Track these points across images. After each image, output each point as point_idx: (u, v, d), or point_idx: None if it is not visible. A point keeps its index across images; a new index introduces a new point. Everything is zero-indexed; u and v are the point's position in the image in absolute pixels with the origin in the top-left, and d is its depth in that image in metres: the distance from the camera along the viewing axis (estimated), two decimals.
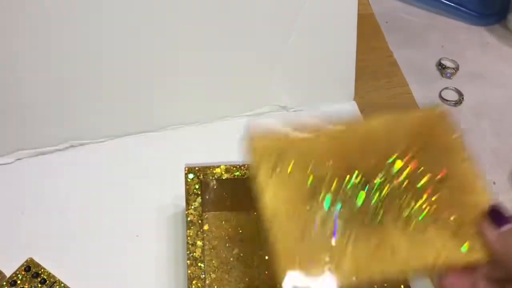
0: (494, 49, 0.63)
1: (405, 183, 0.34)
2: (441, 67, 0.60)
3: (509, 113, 0.58)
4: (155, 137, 0.52)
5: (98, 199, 0.48)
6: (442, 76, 0.60)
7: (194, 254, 0.38)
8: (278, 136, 0.34)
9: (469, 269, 0.33)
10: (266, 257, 0.43)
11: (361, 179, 0.34)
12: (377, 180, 0.34)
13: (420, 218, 0.33)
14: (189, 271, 0.37)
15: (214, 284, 0.42)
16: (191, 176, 0.42)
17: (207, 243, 0.44)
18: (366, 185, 0.34)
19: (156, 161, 0.50)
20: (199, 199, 0.41)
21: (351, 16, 0.52)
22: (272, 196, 0.32)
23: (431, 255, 0.32)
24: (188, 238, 0.39)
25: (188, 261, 0.38)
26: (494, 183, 0.52)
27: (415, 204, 0.34)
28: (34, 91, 0.47)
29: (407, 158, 0.35)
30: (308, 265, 0.30)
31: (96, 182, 0.49)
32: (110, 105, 0.50)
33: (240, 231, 0.45)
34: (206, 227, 0.45)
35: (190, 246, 0.39)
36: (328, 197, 0.33)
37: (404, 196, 0.34)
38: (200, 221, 0.40)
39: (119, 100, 0.50)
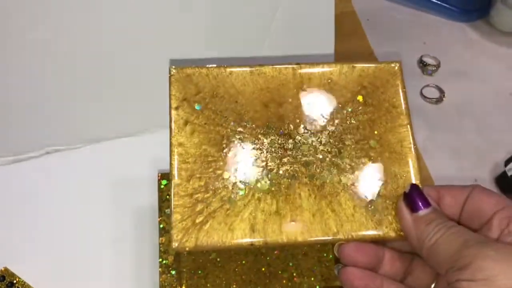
0: (476, 45, 0.63)
1: (333, 138, 0.32)
2: (422, 64, 0.60)
3: (491, 110, 0.57)
4: (131, 142, 0.51)
5: (73, 206, 0.47)
6: (424, 73, 0.60)
7: (166, 261, 0.38)
8: (205, 71, 0.33)
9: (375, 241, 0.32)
10: (244, 262, 0.43)
11: (284, 129, 0.32)
12: (300, 132, 0.32)
13: (336, 177, 0.32)
14: (160, 279, 0.37)
15: None
16: (164, 182, 0.42)
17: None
18: (287, 137, 0.32)
19: (132, 167, 0.50)
20: None
21: (328, 13, 0.52)
22: (185, 138, 0.32)
23: (335, 224, 0.30)
24: (161, 245, 0.39)
25: (160, 269, 0.38)
26: (475, 180, 0.52)
27: (336, 163, 0.32)
28: (8, 98, 0.47)
29: (344, 111, 0.33)
30: (198, 219, 0.30)
31: (71, 189, 0.48)
32: (85, 111, 0.49)
33: None
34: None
35: (162, 253, 0.38)
36: (241, 146, 0.32)
37: (327, 151, 0.32)
38: None
39: (94, 105, 0.50)
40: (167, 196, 0.41)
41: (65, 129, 0.50)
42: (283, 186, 0.31)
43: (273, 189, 0.31)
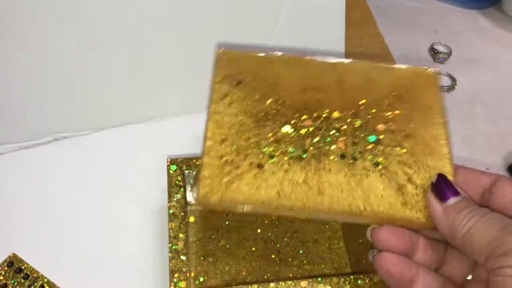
0: (488, 33, 0.62)
1: (367, 125, 0.33)
2: (433, 52, 0.59)
3: (503, 98, 0.56)
4: (139, 129, 0.51)
5: (82, 192, 0.47)
6: (435, 61, 0.59)
7: (176, 247, 0.38)
8: (250, 55, 0.36)
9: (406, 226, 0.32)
10: (253, 249, 0.43)
11: (320, 112, 0.34)
12: (335, 116, 0.34)
13: (367, 160, 0.32)
14: (170, 264, 0.37)
15: (199, 276, 0.41)
16: (173, 167, 0.42)
17: (193, 235, 0.43)
18: (322, 120, 0.33)
19: (140, 153, 0.50)
20: (181, 191, 0.40)
21: (339, 2, 0.51)
22: (222, 107, 0.34)
23: (363, 202, 0.31)
24: (170, 230, 0.38)
25: (170, 254, 0.37)
26: (487, 168, 0.51)
27: (368, 147, 0.32)
28: (15, 85, 0.47)
29: (381, 104, 0.34)
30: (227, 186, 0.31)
31: (80, 175, 0.48)
32: (93, 97, 0.49)
33: (227, 223, 0.44)
34: (192, 219, 0.44)
35: (172, 239, 0.38)
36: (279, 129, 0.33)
37: (361, 135, 0.33)
38: (182, 213, 0.39)
39: (102, 92, 0.49)
40: (176, 182, 0.41)
41: (73, 116, 0.50)
42: (314, 160, 0.32)
43: (302, 161, 0.32)
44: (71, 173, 0.48)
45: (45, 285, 0.42)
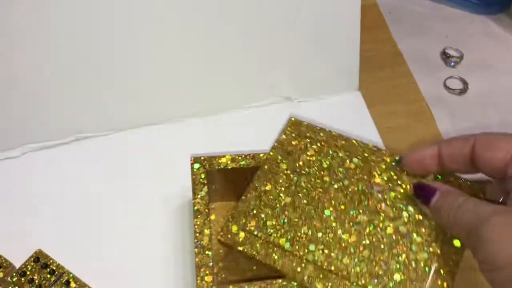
0: (499, 38, 0.63)
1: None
2: (445, 56, 0.60)
3: None
4: (160, 130, 0.52)
5: (104, 191, 0.48)
6: (446, 65, 0.60)
7: (202, 242, 0.38)
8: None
9: None
10: None
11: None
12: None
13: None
14: (197, 259, 0.38)
15: (221, 273, 0.42)
16: (197, 166, 0.42)
17: (214, 232, 0.44)
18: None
19: (162, 154, 0.51)
20: (205, 189, 0.41)
21: (354, 5, 0.52)
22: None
23: None
24: (196, 226, 0.39)
25: (196, 250, 0.38)
26: None
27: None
28: (39, 85, 0.48)
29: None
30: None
31: (102, 174, 0.49)
32: (115, 97, 0.50)
33: None
34: (213, 217, 0.45)
35: (197, 234, 0.39)
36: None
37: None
38: (207, 210, 0.40)
39: (124, 93, 0.50)
40: (200, 179, 0.42)
41: (95, 116, 0.51)
42: None
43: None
44: (93, 172, 0.49)
45: (70, 280, 0.42)
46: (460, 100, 0.58)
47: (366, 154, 0.40)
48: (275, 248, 0.37)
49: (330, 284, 0.35)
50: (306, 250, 0.36)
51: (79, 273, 0.43)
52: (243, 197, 0.39)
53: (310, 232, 0.37)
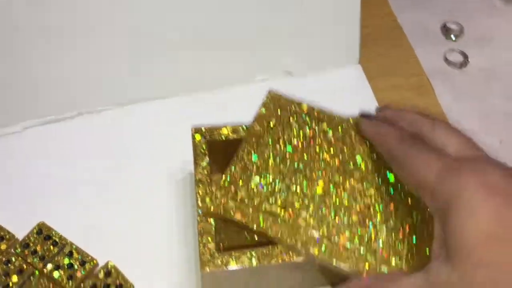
0: (501, 12, 0.63)
1: None
2: (445, 29, 0.60)
3: None
4: (163, 104, 0.52)
5: (107, 165, 0.48)
6: (447, 38, 0.60)
7: (204, 210, 0.39)
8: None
9: None
10: None
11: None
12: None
13: None
14: (199, 227, 0.38)
15: (224, 242, 0.42)
16: (198, 136, 0.43)
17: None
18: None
19: (164, 128, 0.51)
20: (206, 159, 0.41)
21: None
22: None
23: None
24: (198, 195, 0.39)
25: (198, 218, 0.38)
26: (500, 142, 0.52)
27: None
28: (41, 60, 0.48)
29: None
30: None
31: (104, 149, 0.49)
32: (117, 72, 0.50)
33: None
34: (214, 188, 0.45)
35: (200, 203, 0.39)
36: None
37: None
38: (208, 180, 0.40)
39: (125, 67, 0.50)
40: (201, 150, 0.42)
41: (97, 91, 0.51)
42: None
43: None
44: (96, 146, 0.49)
45: (73, 251, 0.43)
46: (461, 74, 0.57)
47: (346, 126, 0.40)
48: (267, 215, 0.37)
49: (323, 248, 0.35)
50: (298, 216, 0.37)
51: (82, 244, 0.43)
52: (229, 168, 0.39)
53: (300, 199, 0.37)
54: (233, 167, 0.39)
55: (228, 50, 0.52)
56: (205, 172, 0.41)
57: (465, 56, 0.58)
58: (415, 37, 0.60)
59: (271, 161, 0.39)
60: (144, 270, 0.42)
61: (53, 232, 0.44)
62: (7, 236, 0.43)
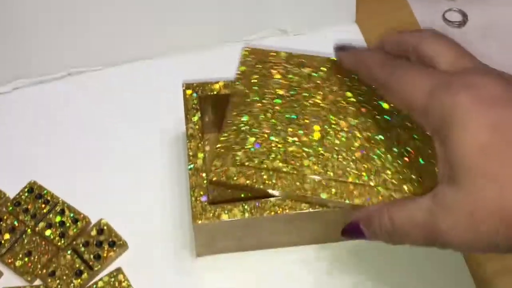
0: None
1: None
2: None
3: None
4: (153, 64, 0.51)
5: (97, 124, 0.48)
6: None
7: (196, 165, 0.38)
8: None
9: None
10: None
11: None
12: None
13: None
14: (191, 180, 0.37)
15: (217, 198, 0.41)
16: (189, 91, 0.42)
17: (209, 163, 0.43)
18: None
19: (155, 87, 0.50)
20: (198, 114, 0.41)
21: None
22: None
23: None
24: (189, 150, 0.39)
25: (190, 171, 0.38)
26: None
27: None
28: (31, 18, 0.47)
29: None
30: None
31: (95, 108, 0.49)
32: (107, 32, 0.49)
33: None
34: (207, 147, 0.44)
35: (191, 157, 0.38)
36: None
37: None
38: (200, 134, 0.40)
39: (116, 27, 0.49)
40: (193, 105, 0.41)
41: (88, 51, 0.50)
42: None
43: None
44: (87, 107, 0.49)
45: (65, 209, 0.42)
46: (459, 33, 0.56)
47: (329, 65, 0.40)
48: (271, 173, 0.36)
49: (333, 190, 0.35)
50: (301, 166, 0.36)
51: (74, 203, 0.43)
52: (222, 134, 0.38)
53: (299, 149, 0.36)
54: (225, 133, 0.37)
55: (222, 8, 0.51)
56: (197, 127, 0.40)
57: (464, 15, 0.57)
58: None
59: (261, 117, 0.38)
60: (137, 227, 0.42)
61: (45, 191, 0.43)
62: None
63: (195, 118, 0.41)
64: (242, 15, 0.52)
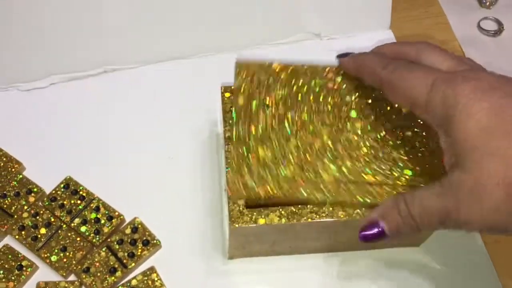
0: None
1: None
2: None
3: None
4: (189, 64, 0.51)
5: (132, 122, 0.48)
6: (481, 6, 0.58)
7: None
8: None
9: None
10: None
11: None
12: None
13: None
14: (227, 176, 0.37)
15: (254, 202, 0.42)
16: (227, 94, 0.42)
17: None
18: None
19: (190, 88, 0.50)
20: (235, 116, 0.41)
21: None
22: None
23: None
24: (227, 152, 0.39)
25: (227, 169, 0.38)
26: None
27: None
28: (68, 15, 0.47)
29: None
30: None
31: (130, 107, 0.49)
32: (144, 30, 0.49)
33: None
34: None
35: (229, 161, 0.39)
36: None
37: None
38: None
39: (153, 26, 0.49)
40: (230, 108, 0.41)
41: (124, 49, 0.50)
42: None
43: None
44: (121, 104, 0.49)
45: (100, 206, 0.43)
46: (494, 42, 0.56)
47: (323, 71, 0.39)
48: (287, 180, 0.36)
49: (353, 191, 0.35)
50: (316, 170, 0.36)
51: (108, 199, 0.43)
52: (229, 147, 0.37)
53: (313, 154, 0.36)
54: (233, 148, 0.37)
55: (256, 10, 0.51)
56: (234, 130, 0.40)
57: (500, 24, 0.56)
58: (448, 3, 0.58)
59: (268, 128, 0.38)
60: (170, 227, 0.42)
61: (80, 187, 0.44)
62: (35, 190, 0.43)
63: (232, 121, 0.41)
64: (276, 17, 0.52)
